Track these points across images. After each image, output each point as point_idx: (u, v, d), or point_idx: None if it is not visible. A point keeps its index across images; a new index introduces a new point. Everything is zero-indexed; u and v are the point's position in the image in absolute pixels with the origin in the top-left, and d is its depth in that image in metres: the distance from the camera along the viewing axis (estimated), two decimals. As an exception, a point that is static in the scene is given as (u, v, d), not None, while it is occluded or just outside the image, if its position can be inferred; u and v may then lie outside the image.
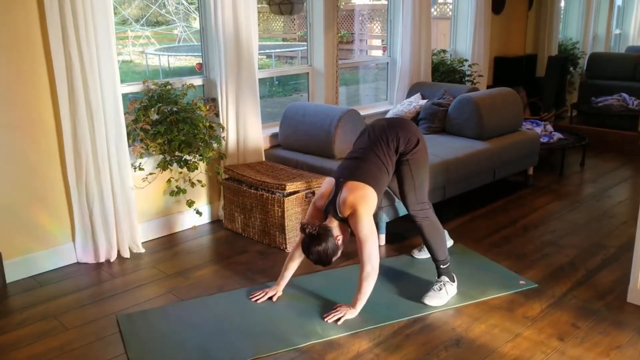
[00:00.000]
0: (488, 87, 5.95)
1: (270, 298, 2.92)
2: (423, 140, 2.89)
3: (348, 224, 2.74)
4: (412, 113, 4.72)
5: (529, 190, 4.70)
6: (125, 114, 3.41)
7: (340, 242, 2.74)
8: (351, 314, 2.73)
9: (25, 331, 2.71)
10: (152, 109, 3.52)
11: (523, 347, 2.55)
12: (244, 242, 3.70)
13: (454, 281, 2.98)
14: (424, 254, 3.39)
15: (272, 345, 2.56)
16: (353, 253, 3.47)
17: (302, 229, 2.65)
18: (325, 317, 2.72)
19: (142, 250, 3.55)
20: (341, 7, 4.51)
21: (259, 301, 2.90)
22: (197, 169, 3.67)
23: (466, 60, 5.71)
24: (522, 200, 4.45)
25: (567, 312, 2.82)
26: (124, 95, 3.47)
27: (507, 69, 6.38)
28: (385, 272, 3.25)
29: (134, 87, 3.66)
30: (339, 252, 2.76)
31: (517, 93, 4.79)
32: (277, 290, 2.95)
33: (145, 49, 10.65)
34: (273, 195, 3.50)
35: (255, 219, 3.66)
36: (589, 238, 3.71)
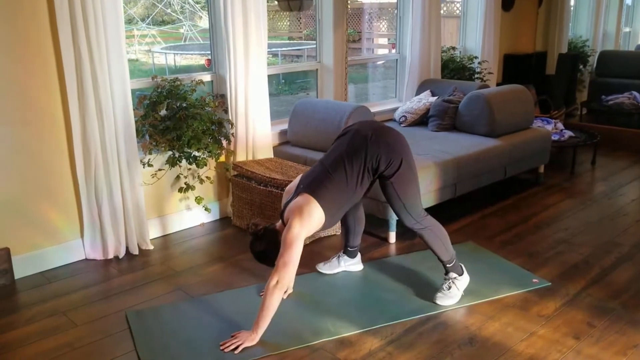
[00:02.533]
0: (498, 84, 5.90)
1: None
2: (408, 156, 2.65)
3: None
4: (421, 110, 4.68)
5: (540, 188, 4.66)
6: (134, 109, 3.39)
7: None
8: (251, 340, 2.46)
9: (34, 327, 2.69)
10: (161, 105, 3.50)
11: (538, 345, 2.51)
12: (249, 240, 3.67)
13: (462, 273, 2.88)
14: (328, 269, 3.16)
15: (283, 342, 2.53)
16: (366, 249, 3.46)
17: (248, 228, 2.60)
18: (221, 347, 2.46)
19: (151, 247, 3.53)
20: (349, 5, 4.47)
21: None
22: (205, 165, 3.65)
23: (476, 57, 5.66)
24: (533, 198, 4.41)
25: (582, 310, 2.78)
26: (133, 92, 3.45)
27: (516, 67, 6.33)
28: (396, 270, 3.22)
29: (143, 83, 3.64)
30: None
31: (528, 90, 4.75)
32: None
33: (152, 47, 10.66)
34: (282, 192, 3.47)
35: (264, 216, 3.63)
36: (602, 236, 3.67)
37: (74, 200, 3.31)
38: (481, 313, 2.77)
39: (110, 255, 3.39)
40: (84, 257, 3.39)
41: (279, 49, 10.06)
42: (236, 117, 3.83)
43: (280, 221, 2.65)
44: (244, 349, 2.46)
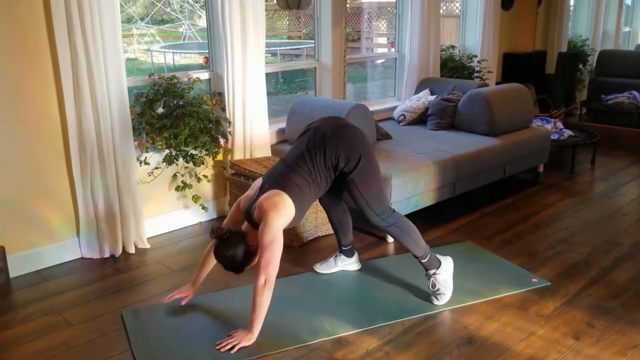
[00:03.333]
0: (497, 83, 5.88)
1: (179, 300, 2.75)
2: (368, 153, 2.63)
3: None
4: (420, 109, 4.66)
5: (540, 187, 4.64)
6: (130, 107, 3.37)
7: (253, 248, 2.48)
8: (247, 340, 2.44)
9: (30, 327, 2.67)
10: (158, 103, 3.47)
11: (537, 345, 2.48)
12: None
13: (439, 265, 2.82)
14: (325, 268, 3.15)
15: (280, 342, 2.51)
16: (363, 248, 3.43)
17: (212, 232, 2.45)
18: (217, 346, 2.44)
19: (148, 246, 3.51)
20: (348, 4, 4.45)
21: (167, 301, 2.75)
22: (203, 163, 3.62)
23: (475, 56, 5.64)
24: (532, 198, 4.39)
25: (582, 310, 2.75)
26: (130, 89, 3.43)
27: (516, 66, 6.31)
28: (395, 269, 3.20)
29: (140, 81, 3.61)
30: (255, 260, 2.51)
31: (527, 89, 4.72)
32: (190, 291, 2.77)
33: (150, 46, 10.63)
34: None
35: (262, 214, 3.61)
36: (602, 236, 3.64)
37: (69, 198, 3.28)
38: (480, 313, 2.75)
39: (107, 254, 3.37)
40: (80, 256, 3.37)
41: (278, 48, 10.03)
42: (234, 115, 3.80)
43: (245, 223, 2.57)
44: (240, 348, 2.44)
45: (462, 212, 4.07)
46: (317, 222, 3.60)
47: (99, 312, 2.79)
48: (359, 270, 3.19)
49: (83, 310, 2.80)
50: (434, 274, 2.80)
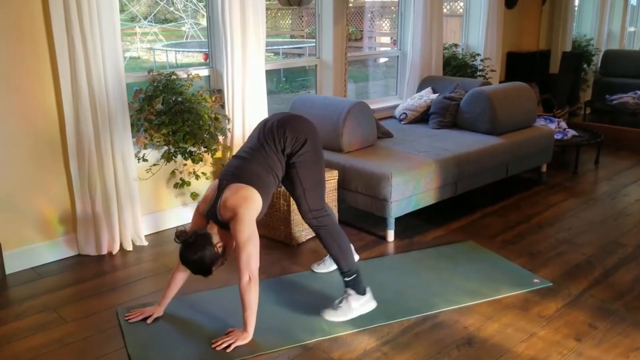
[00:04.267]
0: (500, 82, 5.84)
1: (145, 319, 2.61)
2: (315, 139, 2.60)
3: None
4: (422, 107, 4.62)
5: (543, 187, 4.59)
6: (129, 103, 3.34)
7: (221, 249, 2.44)
8: (243, 339, 2.42)
9: (24, 323, 2.64)
10: (157, 99, 3.44)
11: (538, 347, 2.44)
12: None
13: (363, 294, 2.66)
14: (322, 268, 3.12)
15: (277, 341, 2.47)
16: (363, 247, 3.39)
17: (176, 236, 2.37)
18: (213, 344, 2.40)
19: (145, 243, 3.47)
20: (350, 4, 4.42)
21: (131, 321, 2.61)
22: (201, 160, 3.59)
23: (478, 54, 5.60)
24: (535, 198, 4.34)
25: (584, 311, 2.71)
26: (129, 86, 3.40)
27: (520, 65, 6.27)
28: (394, 268, 3.16)
29: (139, 77, 3.58)
30: (221, 261, 2.46)
31: (531, 88, 4.68)
32: (157, 311, 2.64)
33: (153, 45, 10.62)
34: (278, 189, 3.41)
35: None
36: (605, 236, 3.60)
37: (67, 194, 3.26)
38: (480, 313, 2.70)
39: (104, 251, 3.34)
40: (77, 253, 3.34)
41: (280, 47, 10.00)
42: (233, 112, 3.77)
43: (209, 225, 2.47)
44: (236, 347, 2.40)
45: (464, 211, 4.03)
46: (317, 221, 3.56)
47: (95, 309, 2.76)
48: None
49: (78, 307, 2.78)
50: (350, 294, 2.65)
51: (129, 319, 2.63)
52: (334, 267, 3.08)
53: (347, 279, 2.66)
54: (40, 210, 3.18)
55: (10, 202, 3.06)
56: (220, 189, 2.46)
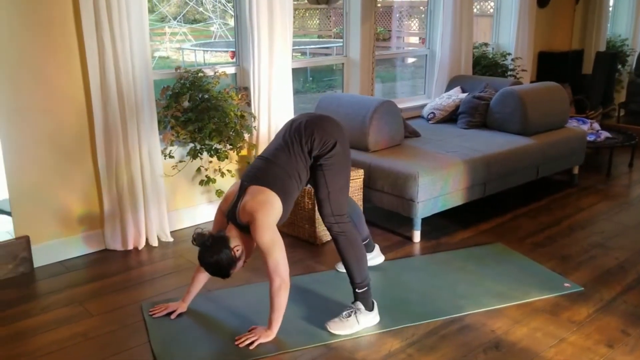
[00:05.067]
0: (531, 82, 5.72)
1: (169, 314, 2.61)
2: (344, 141, 2.52)
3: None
4: (451, 107, 4.55)
5: (574, 189, 4.48)
6: (156, 100, 3.35)
7: (239, 252, 2.38)
8: (266, 337, 2.40)
9: (50, 316, 2.66)
10: (184, 97, 3.45)
11: (568, 352, 2.37)
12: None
13: (371, 309, 2.57)
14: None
15: (301, 340, 2.44)
16: (389, 247, 3.35)
17: (193, 239, 2.36)
18: (236, 341, 2.40)
19: (171, 239, 3.49)
20: (379, 4, 4.38)
21: (155, 316, 2.61)
22: (227, 158, 3.59)
23: (509, 54, 5.50)
24: (566, 200, 4.24)
25: (617, 317, 2.62)
26: (157, 83, 3.41)
27: (552, 65, 6.14)
28: (420, 270, 3.11)
29: (166, 75, 3.60)
30: (240, 264, 2.41)
31: (563, 88, 4.57)
32: (181, 307, 2.65)
33: (182, 45, 10.72)
34: (304, 187, 3.38)
35: (286, 211, 3.56)
36: (639, 240, 3.48)
37: (94, 190, 3.29)
38: (508, 317, 2.64)
39: (130, 246, 3.36)
40: (103, 248, 3.37)
41: (308, 47, 10.00)
42: (259, 110, 3.76)
43: (229, 226, 2.44)
44: (259, 344, 2.38)
45: (493, 213, 3.95)
46: (342, 220, 3.52)
47: (120, 303, 2.77)
48: (383, 270, 3.10)
49: (104, 302, 2.79)
50: (359, 309, 2.55)
51: (153, 314, 2.63)
52: None
53: (358, 291, 2.55)
54: (68, 205, 3.21)
55: (38, 197, 3.10)
56: (241, 190, 2.41)
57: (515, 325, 2.57)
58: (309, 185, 3.36)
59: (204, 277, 2.63)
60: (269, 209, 2.34)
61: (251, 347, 2.37)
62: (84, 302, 2.78)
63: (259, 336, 2.40)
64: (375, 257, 3.09)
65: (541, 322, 2.60)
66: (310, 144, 2.45)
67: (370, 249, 3.05)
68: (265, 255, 2.34)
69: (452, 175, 3.50)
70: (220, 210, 2.55)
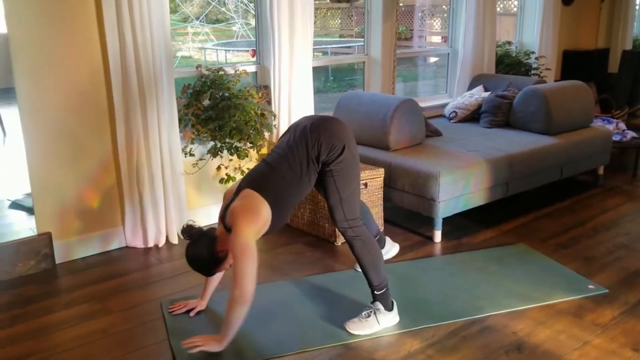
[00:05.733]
0: (556, 81, 5.62)
1: (188, 312, 2.61)
2: (352, 146, 2.41)
3: None
4: (473, 106, 4.49)
5: (599, 190, 4.39)
6: (177, 98, 3.36)
7: (223, 254, 2.32)
8: (213, 347, 2.27)
9: (70, 312, 2.69)
10: (205, 95, 3.46)
11: (592, 355, 2.31)
12: (292, 232, 3.59)
13: (391, 309, 2.52)
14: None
15: (319, 339, 2.43)
16: (409, 247, 3.32)
17: (181, 232, 2.34)
18: (183, 343, 2.30)
19: (191, 238, 3.49)
20: (401, 4, 4.34)
21: (174, 314, 2.60)
22: (247, 156, 3.59)
23: (533, 52, 5.41)
24: (591, 201, 4.15)
25: (643, 320, 2.56)
26: (178, 81, 3.43)
27: (576, 63, 6.04)
28: (441, 270, 3.08)
29: (187, 73, 3.61)
30: (226, 265, 2.36)
31: (588, 87, 4.49)
32: (200, 304, 2.64)
33: (204, 44, 10.79)
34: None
35: (304, 209, 3.54)
36: (667, 242, 3.40)
37: (115, 187, 3.31)
38: (531, 318, 2.59)
39: (151, 244, 3.38)
40: (124, 245, 3.39)
41: (329, 46, 9.97)
42: (279, 108, 3.76)
43: (221, 226, 2.35)
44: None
45: (515, 213, 3.89)
46: (362, 219, 3.50)
47: (139, 300, 2.79)
48: (403, 270, 3.07)
49: (124, 298, 2.81)
50: (379, 309, 2.50)
51: (173, 312, 2.64)
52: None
53: (376, 293, 2.51)
54: (90, 202, 3.24)
55: (61, 194, 3.13)
56: (237, 192, 2.34)
57: (538, 327, 2.52)
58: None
59: (216, 276, 2.62)
60: (253, 218, 2.23)
61: (193, 351, 2.26)
62: (104, 299, 2.80)
63: (205, 343, 2.28)
64: (390, 250, 3.02)
65: (565, 324, 2.54)
66: (318, 150, 2.34)
67: (382, 244, 2.97)
68: (234, 263, 2.20)
69: (474, 175, 3.45)
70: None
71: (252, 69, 3.86)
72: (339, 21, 12.41)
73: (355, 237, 2.46)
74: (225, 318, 2.25)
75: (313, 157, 2.35)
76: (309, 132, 2.37)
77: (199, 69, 3.55)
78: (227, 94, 3.47)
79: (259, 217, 2.24)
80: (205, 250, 2.28)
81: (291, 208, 2.43)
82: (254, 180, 2.34)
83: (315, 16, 3.82)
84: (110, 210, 3.32)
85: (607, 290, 2.83)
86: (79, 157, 3.15)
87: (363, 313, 2.51)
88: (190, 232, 2.33)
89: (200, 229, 2.36)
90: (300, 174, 2.35)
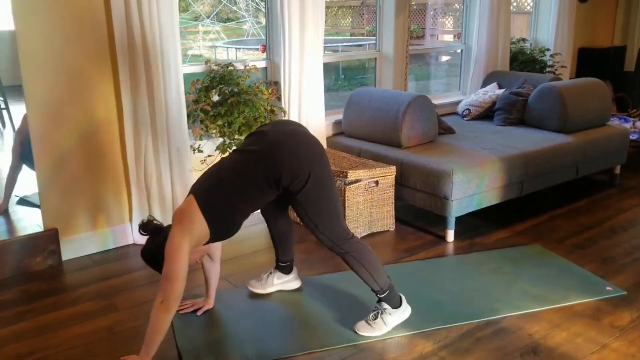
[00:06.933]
0: (571, 79, 5.53)
1: (195, 311, 2.55)
2: (319, 170, 2.20)
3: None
4: (487, 103, 4.41)
5: (616, 190, 4.30)
6: (186, 94, 3.32)
7: None
8: None
9: (76, 310, 2.65)
10: (214, 90, 3.41)
11: (611, 359, 2.24)
12: (302, 231, 3.52)
13: (398, 306, 2.44)
14: (259, 287, 2.74)
15: (329, 339, 2.37)
16: (421, 247, 3.25)
17: (139, 226, 2.23)
18: None
19: (198, 235, 3.45)
20: (413, 2, 4.27)
21: (181, 312, 2.54)
22: (257, 153, 3.53)
23: (548, 49, 5.32)
24: (608, 201, 4.06)
25: (664, 324, 2.48)
26: (187, 77, 3.38)
27: (592, 61, 5.94)
28: (454, 270, 3.01)
29: (196, 68, 3.57)
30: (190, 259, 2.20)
31: (605, 84, 4.39)
32: (207, 303, 2.58)
33: (214, 43, 10.77)
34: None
35: (315, 207, 3.48)
36: (687, 244, 3.31)
37: (123, 184, 3.27)
38: (547, 320, 2.51)
39: (158, 242, 3.33)
40: (132, 242, 3.35)
41: (340, 44, 9.91)
42: (289, 105, 3.70)
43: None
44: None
45: (530, 213, 3.81)
46: (372, 218, 3.44)
47: (146, 298, 2.74)
48: (415, 270, 3.01)
49: (130, 296, 2.77)
50: (386, 309, 2.42)
51: (179, 310, 2.59)
52: (274, 288, 2.78)
53: (381, 296, 2.42)
54: (97, 198, 3.20)
55: (68, 190, 3.10)
56: (189, 192, 2.22)
57: (554, 330, 2.45)
58: (339, 182, 3.29)
59: (209, 268, 2.56)
60: (187, 225, 2.10)
61: None
62: (110, 297, 2.76)
63: None
64: (291, 282, 2.80)
65: (581, 326, 2.47)
66: (278, 175, 2.15)
67: (286, 270, 2.77)
68: (164, 265, 2.09)
69: (488, 173, 3.38)
70: None
71: (261, 64, 3.81)
72: (350, 20, 12.35)
73: (345, 254, 2.35)
74: (148, 326, 2.08)
75: (271, 180, 2.17)
76: (271, 151, 2.17)
77: (208, 64, 3.50)
78: (236, 90, 3.42)
79: (193, 225, 2.11)
80: (157, 246, 2.15)
81: (237, 224, 2.25)
82: (198, 189, 2.19)
83: (326, 15, 3.76)
84: (118, 207, 3.28)
85: (625, 292, 2.75)
86: (86, 154, 3.11)
87: (370, 315, 2.44)
88: (146, 227, 2.21)
89: (158, 225, 2.24)
90: (250, 195, 2.19)
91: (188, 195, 2.21)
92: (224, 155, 3.51)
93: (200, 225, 2.13)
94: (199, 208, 2.12)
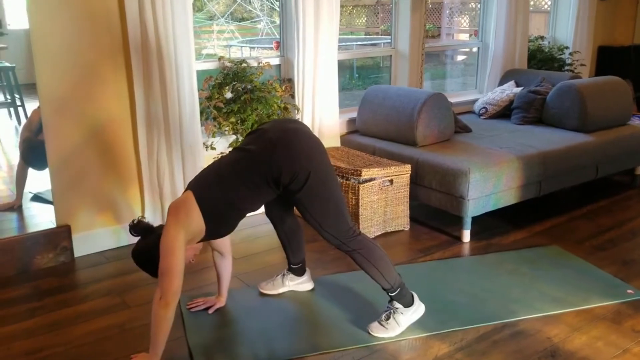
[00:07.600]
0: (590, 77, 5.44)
1: (207, 309, 2.53)
2: (320, 168, 2.16)
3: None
4: (504, 102, 4.34)
5: (636, 191, 4.20)
6: (199, 91, 3.29)
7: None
8: None
9: (87, 306, 2.63)
10: (227, 87, 3.38)
11: (633, 365, 2.17)
12: (314, 230, 3.49)
13: (410, 304, 2.38)
14: (270, 289, 2.71)
15: (341, 340, 2.32)
16: (436, 247, 3.19)
17: (129, 227, 2.19)
18: None
19: (211, 233, 3.42)
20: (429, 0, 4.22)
21: (192, 310, 2.53)
22: (270, 150, 3.50)
23: (567, 47, 5.22)
24: (628, 202, 3.97)
25: (688, 328, 2.40)
26: (200, 74, 3.35)
27: (612, 60, 5.82)
28: (470, 271, 2.94)
29: (209, 65, 3.54)
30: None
31: (626, 83, 4.30)
32: (219, 301, 2.56)
33: (229, 42, 10.77)
34: (347, 182, 3.27)
35: (329, 206, 3.44)
36: None
37: (136, 181, 3.25)
38: (566, 323, 2.45)
39: (170, 239, 3.31)
40: (144, 240, 3.33)
41: (354, 43, 9.86)
42: (303, 102, 3.66)
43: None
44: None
45: (549, 213, 3.73)
46: (386, 217, 3.38)
47: (157, 296, 2.72)
48: (430, 270, 2.95)
49: (142, 293, 2.75)
50: (398, 309, 2.37)
51: (191, 308, 2.56)
52: (285, 288, 2.74)
53: (392, 294, 2.36)
54: (109, 195, 3.19)
55: (81, 187, 3.09)
56: (186, 188, 2.19)
57: (574, 333, 2.38)
58: (353, 180, 3.24)
59: (221, 265, 2.54)
60: (183, 219, 2.07)
61: None
62: (122, 294, 2.74)
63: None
64: (304, 283, 2.76)
65: (602, 330, 2.40)
66: (277, 174, 2.12)
67: (299, 272, 2.74)
68: (159, 262, 2.05)
69: (506, 172, 3.31)
70: None
71: (275, 61, 3.77)
72: (365, 19, 12.30)
73: (352, 252, 2.30)
74: (152, 322, 2.05)
75: (270, 179, 2.13)
76: (271, 149, 2.13)
77: (221, 61, 3.47)
78: (249, 87, 3.39)
79: (189, 220, 2.08)
80: (148, 246, 2.12)
81: (235, 221, 2.23)
82: (197, 185, 2.17)
83: (340, 14, 3.71)
84: (130, 204, 3.27)
85: (648, 296, 2.68)
86: (99, 150, 3.10)
87: (382, 315, 2.39)
88: (137, 228, 2.17)
89: (148, 225, 2.20)
90: (249, 195, 2.16)
91: (185, 190, 2.18)
92: (237, 153, 3.48)
93: (196, 220, 2.10)
94: (196, 203, 2.10)
